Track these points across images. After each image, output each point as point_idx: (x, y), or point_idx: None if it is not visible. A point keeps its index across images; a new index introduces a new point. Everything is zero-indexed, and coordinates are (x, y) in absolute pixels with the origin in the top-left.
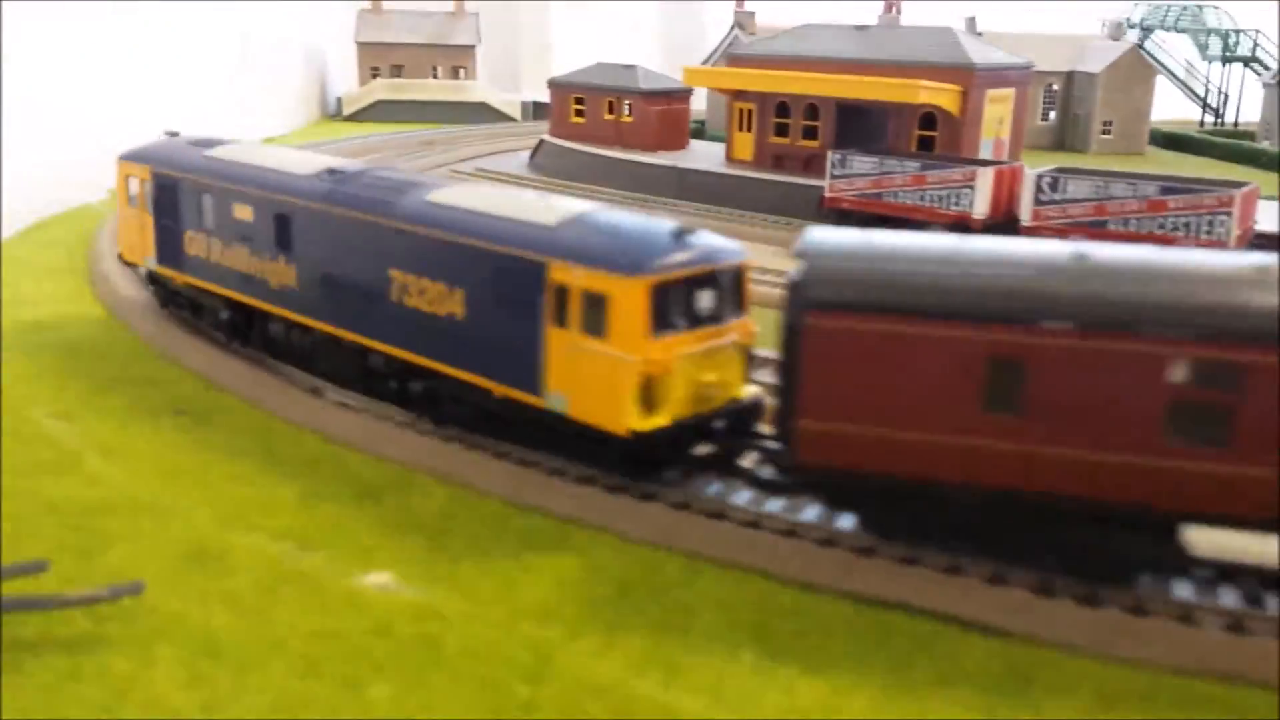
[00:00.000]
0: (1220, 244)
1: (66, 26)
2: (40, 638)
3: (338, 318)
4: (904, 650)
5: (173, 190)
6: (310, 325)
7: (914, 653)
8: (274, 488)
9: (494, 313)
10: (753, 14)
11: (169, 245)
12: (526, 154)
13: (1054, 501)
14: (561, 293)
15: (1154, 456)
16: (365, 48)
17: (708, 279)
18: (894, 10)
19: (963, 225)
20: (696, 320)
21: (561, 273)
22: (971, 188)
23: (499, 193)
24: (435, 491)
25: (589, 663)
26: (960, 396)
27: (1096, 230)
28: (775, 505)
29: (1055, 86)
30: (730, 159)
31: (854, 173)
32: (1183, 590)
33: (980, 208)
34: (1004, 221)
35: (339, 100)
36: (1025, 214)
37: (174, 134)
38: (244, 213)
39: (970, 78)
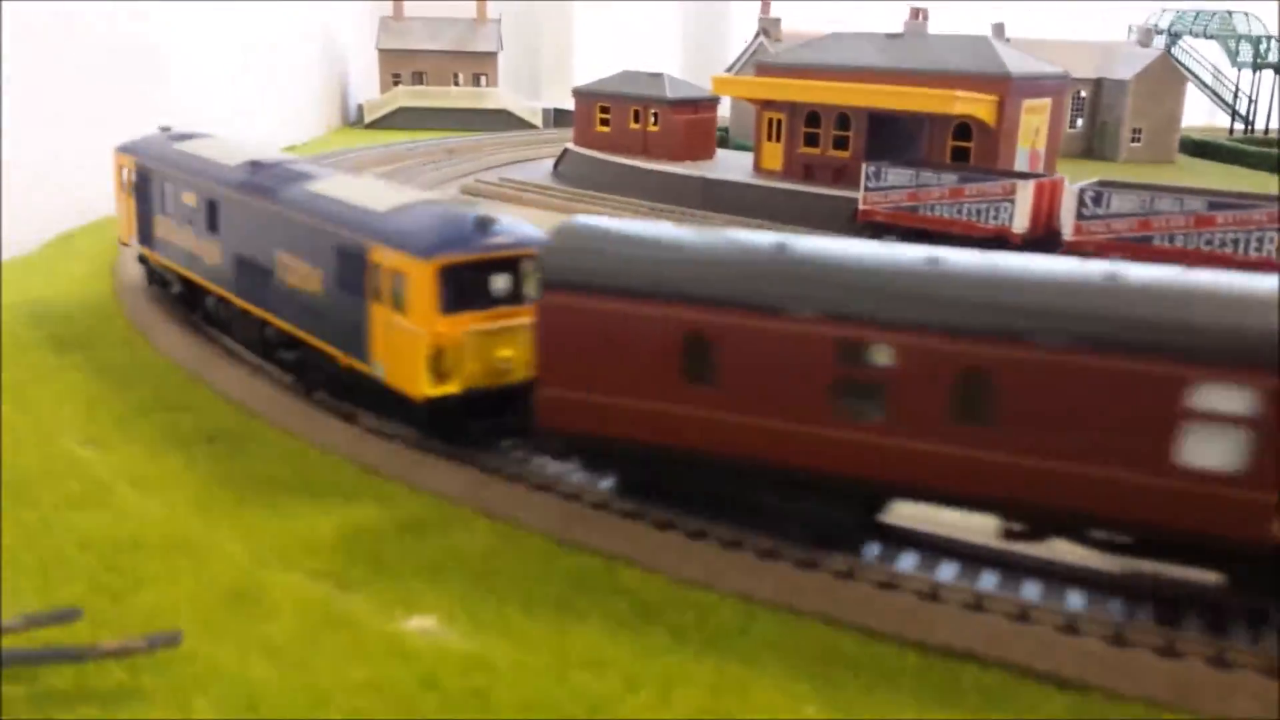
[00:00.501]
0: (1269, 262)
1: (92, 36)
2: (74, 689)
3: (244, 292)
4: (977, 705)
5: (147, 178)
6: (228, 298)
7: (988, 708)
8: (311, 521)
9: (338, 290)
10: (778, 20)
11: (145, 227)
12: (550, 162)
13: (751, 467)
14: (378, 272)
15: (823, 428)
16: (387, 54)
17: (505, 264)
18: (920, 17)
19: (1002, 240)
20: (492, 301)
21: (379, 255)
22: (1011, 201)
23: (364, 183)
24: (478, 526)
25: (646, 718)
26: (665, 368)
27: (1141, 246)
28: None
29: (1083, 93)
30: (758, 169)
31: (889, 185)
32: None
33: (1020, 222)
34: (1044, 236)
35: (360, 107)
36: (1067, 229)
37: (167, 129)
38: (189, 198)
39: (1006, 87)
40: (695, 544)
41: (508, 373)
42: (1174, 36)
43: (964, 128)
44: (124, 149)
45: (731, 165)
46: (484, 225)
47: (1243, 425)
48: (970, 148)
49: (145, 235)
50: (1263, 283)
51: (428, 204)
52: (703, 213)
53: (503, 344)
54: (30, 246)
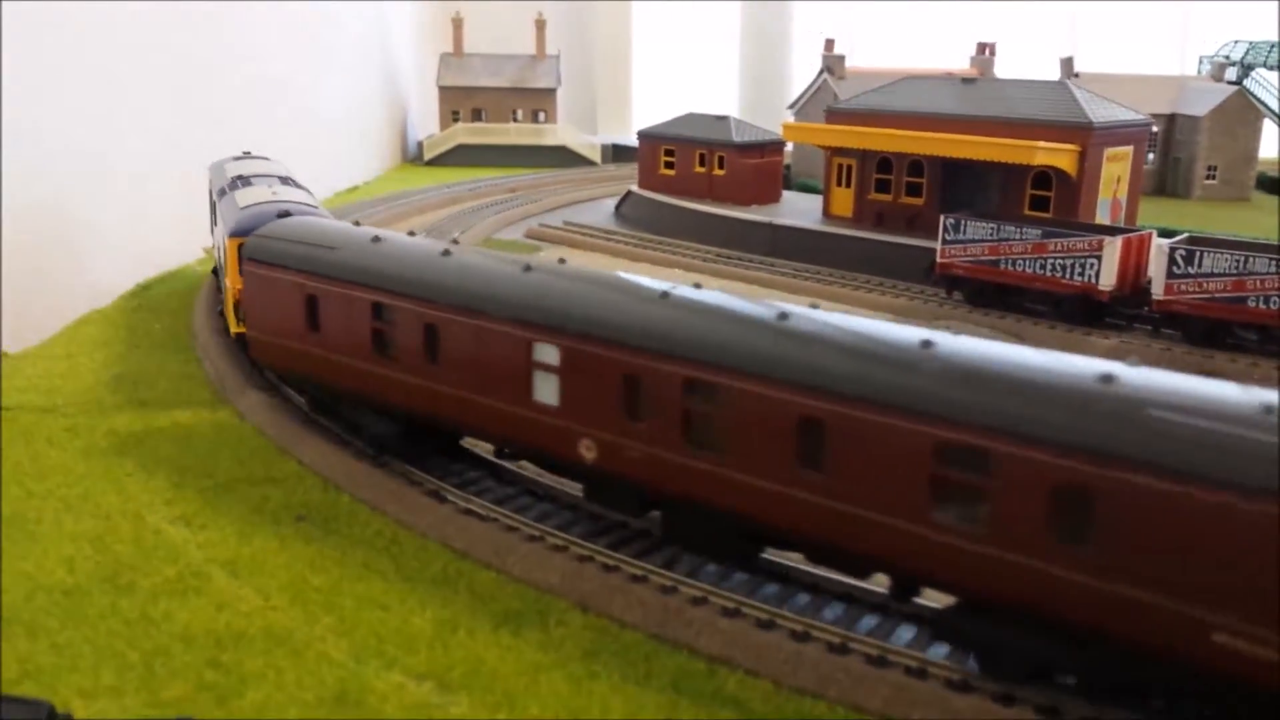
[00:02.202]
0: None
1: (170, 90)
2: None
3: (218, 268)
4: None
5: (211, 186)
6: (219, 271)
7: None
8: (408, 614)
9: (224, 262)
10: (842, 57)
11: (211, 221)
12: (611, 202)
13: (345, 392)
14: (225, 250)
15: (370, 364)
16: (447, 91)
17: None
18: (987, 51)
19: (1087, 299)
20: None
21: (224, 239)
22: (1098, 258)
23: (260, 189)
24: (572, 620)
25: None
26: (300, 318)
27: (1235, 307)
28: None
29: (1155, 129)
30: (828, 215)
31: (968, 238)
32: None
33: (1107, 279)
34: (1132, 295)
35: (420, 144)
36: (1158, 288)
37: (247, 153)
38: (214, 200)
39: (1088, 137)
40: (801, 647)
41: None
42: (1246, 69)
43: (1043, 177)
44: (209, 167)
45: (799, 210)
46: (284, 217)
47: (555, 372)
48: (1050, 197)
49: (211, 228)
50: (597, 274)
51: (268, 204)
52: (770, 260)
53: None
54: (107, 300)
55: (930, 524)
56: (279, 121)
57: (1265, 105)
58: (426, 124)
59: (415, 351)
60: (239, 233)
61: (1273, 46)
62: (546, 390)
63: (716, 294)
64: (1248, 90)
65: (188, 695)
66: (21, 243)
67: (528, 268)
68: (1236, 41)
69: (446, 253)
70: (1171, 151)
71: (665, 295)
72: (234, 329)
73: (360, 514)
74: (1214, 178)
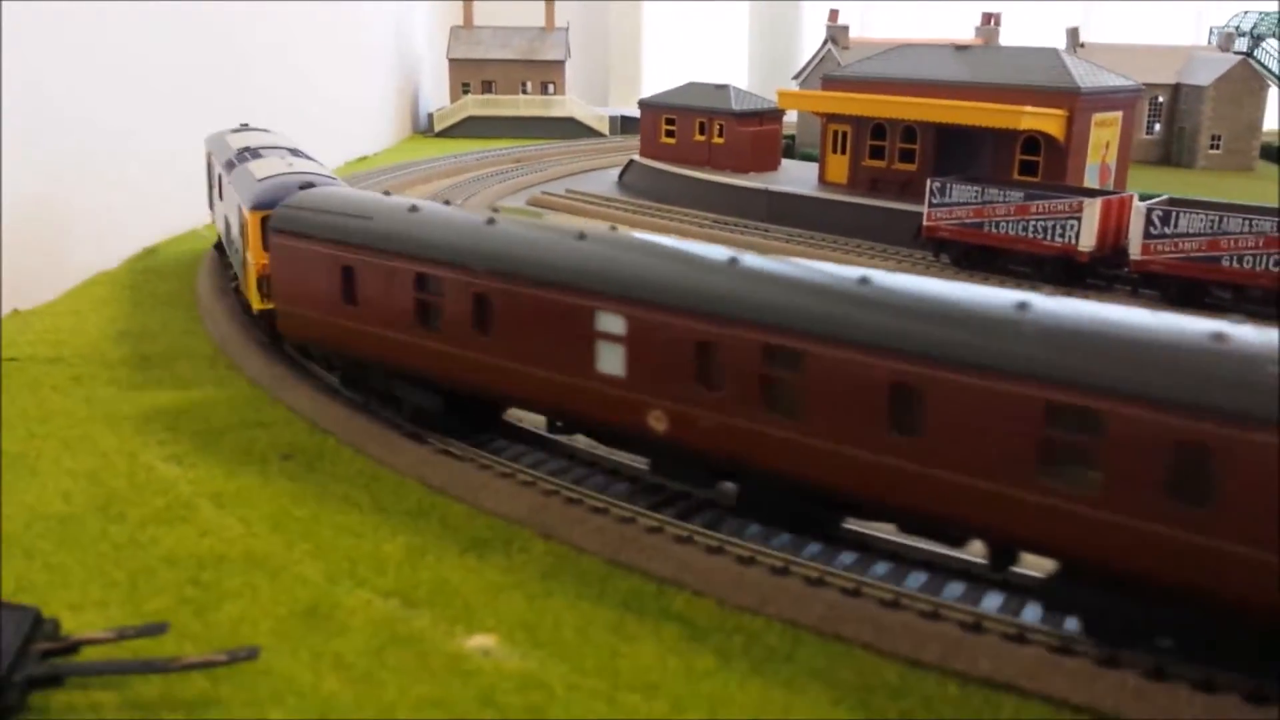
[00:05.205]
0: None
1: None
2: (161, 699)
3: (226, 242)
4: None
5: (209, 159)
6: (224, 247)
7: None
8: (380, 541)
9: (239, 237)
10: (846, 27)
11: (210, 194)
12: (615, 172)
13: (383, 366)
14: (244, 224)
15: (412, 337)
16: (457, 64)
17: None
18: (992, 22)
19: (1068, 259)
20: None
21: (243, 210)
22: (1078, 219)
23: (272, 161)
24: (535, 547)
25: None
26: (332, 291)
27: (1210, 267)
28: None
29: (1160, 99)
30: (823, 181)
31: (954, 201)
32: None
33: (1086, 240)
34: (1111, 255)
35: (430, 116)
36: (1134, 248)
37: (245, 124)
38: (216, 174)
39: (1075, 101)
40: (745, 569)
41: None
42: (1256, 39)
43: (1032, 142)
44: (207, 140)
45: (796, 177)
46: (307, 188)
47: (621, 342)
48: (1039, 162)
49: (210, 201)
50: (645, 241)
51: (286, 175)
52: (766, 225)
53: None
54: (114, 262)
55: (1038, 488)
56: (291, 93)
57: (1273, 75)
58: (438, 96)
59: (462, 322)
60: (262, 205)
61: None
62: (610, 361)
63: (787, 261)
64: (1256, 60)
65: (169, 608)
66: (30, 213)
67: (581, 235)
68: (1246, 12)
69: (491, 221)
70: (1176, 121)
71: (734, 262)
72: (257, 306)
73: (344, 454)
74: (1218, 147)
